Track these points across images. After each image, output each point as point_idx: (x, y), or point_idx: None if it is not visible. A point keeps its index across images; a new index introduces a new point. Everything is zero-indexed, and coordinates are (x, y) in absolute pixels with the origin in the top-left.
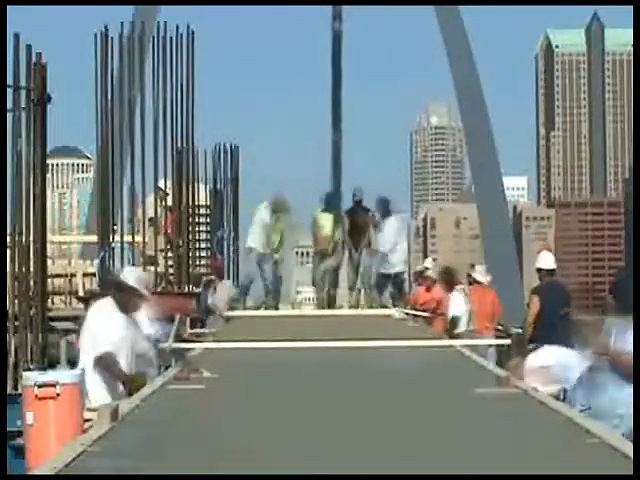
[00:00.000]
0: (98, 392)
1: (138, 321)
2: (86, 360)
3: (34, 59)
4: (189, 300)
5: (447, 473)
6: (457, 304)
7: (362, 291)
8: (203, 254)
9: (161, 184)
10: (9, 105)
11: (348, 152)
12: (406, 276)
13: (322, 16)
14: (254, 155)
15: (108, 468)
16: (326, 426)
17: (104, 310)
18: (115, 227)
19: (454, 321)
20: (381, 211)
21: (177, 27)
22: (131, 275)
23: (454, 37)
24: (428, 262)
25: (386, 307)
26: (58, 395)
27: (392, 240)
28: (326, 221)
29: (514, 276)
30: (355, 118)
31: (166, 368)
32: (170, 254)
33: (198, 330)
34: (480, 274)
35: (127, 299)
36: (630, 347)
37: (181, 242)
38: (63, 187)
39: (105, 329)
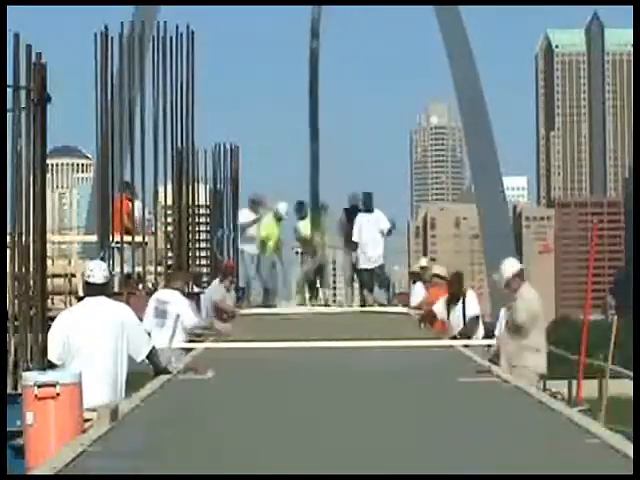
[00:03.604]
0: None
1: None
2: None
3: (34, 59)
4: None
5: (447, 473)
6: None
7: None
8: (203, 254)
9: (160, 184)
10: (9, 105)
11: (348, 152)
12: (386, 270)
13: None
14: (254, 155)
15: (108, 468)
16: (326, 422)
17: (88, 309)
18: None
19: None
20: (364, 205)
21: (177, 27)
22: (97, 272)
23: (454, 37)
24: (424, 261)
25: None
26: (58, 395)
27: (372, 234)
28: (304, 228)
29: None
30: (355, 118)
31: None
32: (170, 254)
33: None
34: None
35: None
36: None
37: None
38: (63, 187)
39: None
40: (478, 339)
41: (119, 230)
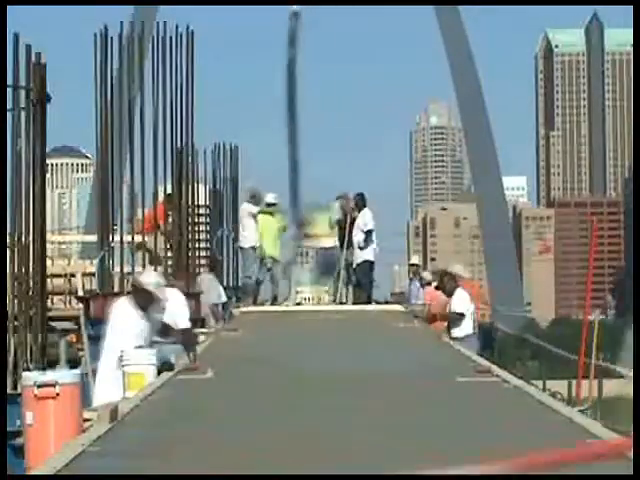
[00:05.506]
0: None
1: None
2: (110, 356)
3: (34, 59)
4: (189, 300)
5: (447, 473)
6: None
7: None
8: (203, 254)
9: (160, 184)
10: (9, 105)
11: (348, 152)
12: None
13: (320, 16)
14: (254, 155)
15: (108, 468)
16: (325, 421)
17: (125, 308)
18: (115, 227)
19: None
20: (359, 205)
21: (177, 27)
22: (149, 279)
23: (454, 37)
24: (415, 259)
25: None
26: (58, 395)
27: (359, 234)
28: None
29: (514, 276)
30: (355, 118)
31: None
32: (170, 254)
33: (197, 330)
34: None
35: (143, 299)
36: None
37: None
38: (63, 187)
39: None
40: (461, 333)
41: (149, 230)
